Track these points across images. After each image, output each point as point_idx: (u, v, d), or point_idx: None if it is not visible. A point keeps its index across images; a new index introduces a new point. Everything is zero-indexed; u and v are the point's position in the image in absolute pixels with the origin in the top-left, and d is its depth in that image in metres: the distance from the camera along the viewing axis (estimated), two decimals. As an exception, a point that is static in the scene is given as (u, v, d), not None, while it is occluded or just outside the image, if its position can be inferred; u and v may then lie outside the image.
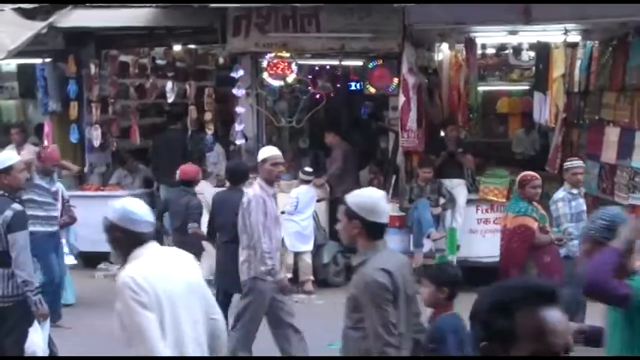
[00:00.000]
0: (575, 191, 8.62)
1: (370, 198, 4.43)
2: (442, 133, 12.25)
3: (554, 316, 2.07)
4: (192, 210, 8.98)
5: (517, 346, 2.05)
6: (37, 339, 6.34)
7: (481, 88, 15.72)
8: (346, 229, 4.41)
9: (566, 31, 11.27)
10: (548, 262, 7.85)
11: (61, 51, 12.59)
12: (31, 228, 8.75)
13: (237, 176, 8.63)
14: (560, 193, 8.49)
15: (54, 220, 9.15)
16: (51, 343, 7.00)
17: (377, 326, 4.24)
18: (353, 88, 13.84)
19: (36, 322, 6.35)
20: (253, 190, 7.39)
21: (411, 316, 4.55)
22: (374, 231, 4.35)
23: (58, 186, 9.58)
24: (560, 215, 8.39)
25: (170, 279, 3.97)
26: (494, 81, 16.14)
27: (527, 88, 14.64)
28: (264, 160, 7.43)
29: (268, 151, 7.67)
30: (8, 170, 6.48)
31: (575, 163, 8.86)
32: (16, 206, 6.38)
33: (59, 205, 9.45)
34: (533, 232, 7.83)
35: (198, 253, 8.14)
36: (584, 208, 8.62)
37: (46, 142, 12.51)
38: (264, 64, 11.96)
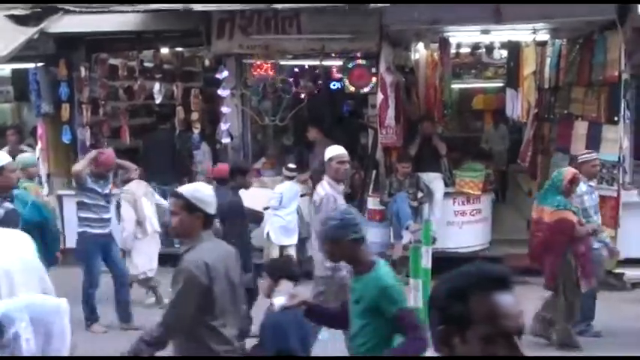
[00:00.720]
0: (592, 183, 8.97)
1: (206, 192, 4.76)
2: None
3: (506, 300, 2.12)
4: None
5: (472, 329, 2.11)
6: None
7: (457, 86, 16.22)
8: (186, 222, 4.62)
9: (535, 31, 11.71)
10: (584, 252, 8.30)
11: (53, 55, 12.83)
12: (80, 229, 9.20)
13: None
14: (582, 187, 8.64)
15: (105, 222, 9.33)
16: None
17: (171, 307, 4.56)
18: (334, 86, 14.25)
19: None
20: (323, 188, 7.41)
21: (240, 302, 4.86)
22: (208, 222, 4.67)
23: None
24: (587, 207, 8.67)
25: (6, 256, 3.84)
26: (470, 79, 16.57)
27: (501, 85, 15.11)
28: (330, 159, 7.49)
29: (334, 150, 7.66)
30: (0, 171, 6.66)
31: (591, 155, 9.10)
32: (8, 205, 6.59)
33: (112, 208, 9.69)
34: (574, 225, 8.21)
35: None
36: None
37: (40, 144, 12.90)
38: (248, 65, 12.33)
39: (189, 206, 4.60)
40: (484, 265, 2.22)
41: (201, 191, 4.72)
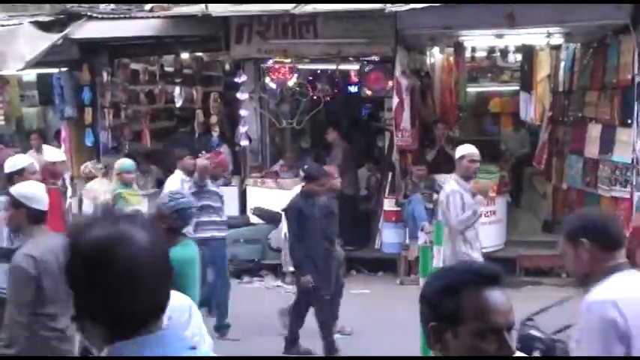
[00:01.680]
0: None
1: (32, 189, 5.09)
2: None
3: (497, 296, 2.17)
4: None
5: (464, 325, 2.15)
6: None
7: (474, 89, 16.32)
8: (14, 217, 4.99)
9: (549, 34, 11.84)
10: None
11: (76, 60, 13.10)
12: (208, 234, 9.01)
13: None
14: None
15: (225, 225, 9.43)
16: None
17: (9, 304, 4.83)
18: (352, 90, 14.43)
19: None
20: (450, 185, 7.62)
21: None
22: (34, 218, 4.93)
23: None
24: None
25: None
26: (487, 82, 16.69)
27: (517, 88, 15.23)
28: (462, 157, 7.64)
29: (466, 149, 7.78)
30: (21, 172, 6.93)
31: None
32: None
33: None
34: None
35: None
36: None
37: (63, 146, 13.18)
38: (266, 69, 12.53)
39: (14, 203, 4.95)
40: (475, 263, 2.38)
41: (27, 189, 5.07)
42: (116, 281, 1.81)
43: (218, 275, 9.19)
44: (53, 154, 10.09)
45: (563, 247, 3.49)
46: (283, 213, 9.16)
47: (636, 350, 3.19)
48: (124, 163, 9.67)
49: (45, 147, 11.86)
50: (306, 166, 9.22)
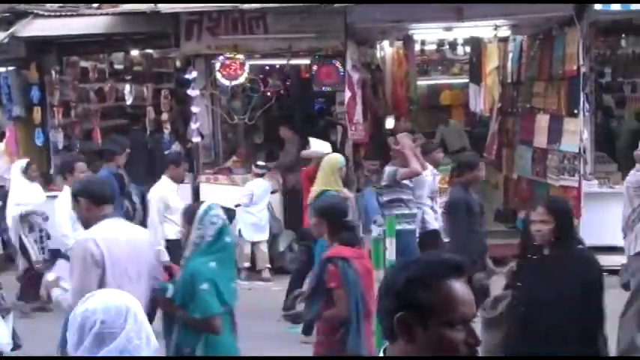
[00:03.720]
0: None
1: None
2: (389, 126, 12.86)
3: (464, 287, 2.22)
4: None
5: (435, 315, 2.17)
6: (2, 332, 6.51)
7: (425, 82, 16.47)
8: None
9: (496, 27, 12.01)
10: None
11: (24, 59, 12.95)
12: (404, 227, 8.82)
13: None
14: None
15: (414, 218, 9.21)
16: (15, 337, 7.08)
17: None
18: (304, 85, 14.43)
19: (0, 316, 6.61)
20: None
21: None
22: None
23: None
24: None
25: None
26: (437, 75, 16.86)
27: (466, 80, 15.40)
28: None
29: None
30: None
31: None
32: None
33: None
34: None
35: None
36: None
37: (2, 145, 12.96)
38: (217, 65, 12.52)
39: None
40: (442, 254, 2.32)
41: None
42: None
43: None
44: None
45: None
46: (447, 208, 8.49)
47: (110, 275, 4.65)
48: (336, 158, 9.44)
49: None
50: (460, 156, 8.95)
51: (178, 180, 9.53)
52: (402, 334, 2.20)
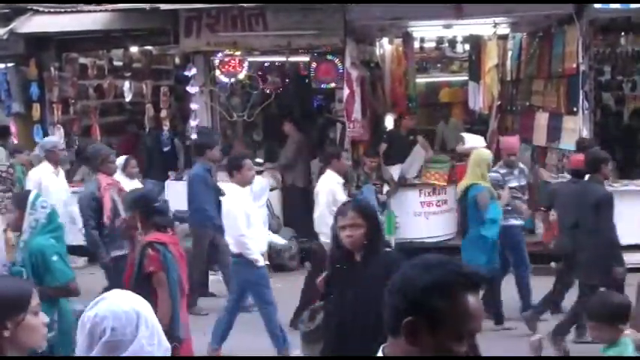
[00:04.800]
0: None
1: None
2: (389, 123, 12.83)
3: (478, 302, 2.21)
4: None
5: (446, 325, 2.15)
6: None
7: (424, 80, 16.46)
8: None
9: (496, 25, 12.01)
10: None
11: (23, 55, 12.95)
12: (509, 222, 8.74)
13: None
14: None
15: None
16: None
17: None
18: (304, 82, 14.41)
19: None
20: None
21: None
22: None
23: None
24: None
25: None
26: (436, 72, 16.84)
27: (466, 78, 15.40)
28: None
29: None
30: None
31: None
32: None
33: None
34: None
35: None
36: None
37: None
38: (217, 62, 12.52)
39: None
40: (462, 265, 2.26)
41: None
42: None
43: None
44: None
45: None
46: (603, 204, 7.85)
47: None
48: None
49: None
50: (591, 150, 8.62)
51: (342, 172, 9.40)
52: (407, 335, 2.18)
